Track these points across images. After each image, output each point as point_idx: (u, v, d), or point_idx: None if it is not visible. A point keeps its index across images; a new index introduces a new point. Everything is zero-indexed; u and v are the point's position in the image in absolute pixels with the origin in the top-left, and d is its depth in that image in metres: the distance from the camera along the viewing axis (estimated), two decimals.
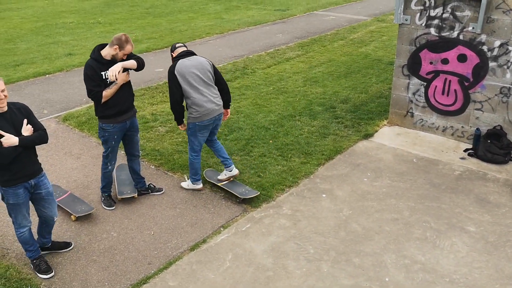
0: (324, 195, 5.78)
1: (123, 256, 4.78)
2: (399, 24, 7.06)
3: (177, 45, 5.56)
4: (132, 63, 5.03)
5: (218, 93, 5.52)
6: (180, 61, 5.33)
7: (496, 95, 6.49)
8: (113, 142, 5.24)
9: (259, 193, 5.68)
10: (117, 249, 4.87)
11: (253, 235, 5.07)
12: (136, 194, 5.66)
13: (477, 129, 6.70)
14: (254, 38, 13.45)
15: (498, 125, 6.55)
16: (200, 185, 5.82)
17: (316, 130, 7.46)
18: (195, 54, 5.53)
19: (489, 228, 5.10)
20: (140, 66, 5.11)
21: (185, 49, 5.51)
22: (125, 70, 5.03)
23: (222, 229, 5.18)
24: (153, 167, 6.45)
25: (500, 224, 5.15)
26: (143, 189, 5.75)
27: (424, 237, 4.99)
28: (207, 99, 5.34)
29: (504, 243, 4.85)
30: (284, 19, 16.05)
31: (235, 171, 5.85)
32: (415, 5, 6.78)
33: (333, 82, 9.63)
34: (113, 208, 5.50)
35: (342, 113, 8.08)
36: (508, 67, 6.29)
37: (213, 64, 5.52)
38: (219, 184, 5.83)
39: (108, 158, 5.35)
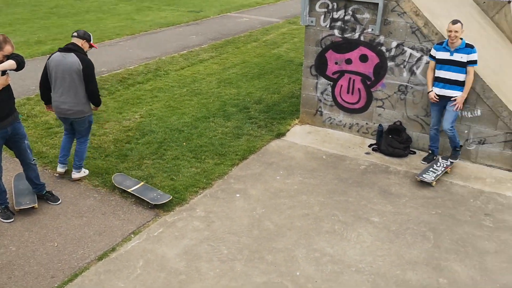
0: (238, 195, 5.81)
1: (23, 271, 4.46)
2: (306, 26, 7.29)
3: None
4: (10, 63, 4.69)
5: (72, 96, 5.58)
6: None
7: (395, 92, 6.92)
8: None
9: (171, 197, 5.58)
10: (16, 264, 4.54)
11: (166, 240, 4.97)
12: (36, 204, 5.31)
13: (380, 125, 7.10)
14: (167, 40, 13.23)
15: (398, 120, 6.99)
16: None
17: (230, 131, 7.49)
18: (76, 52, 5.57)
19: (391, 217, 5.42)
20: (20, 65, 4.79)
21: (71, 41, 5.63)
22: (4, 72, 4.70)
23: (132, 235, 5.02)
24: (57, 175, 6.10)
25: (401, 213, 5.49)
26: (39, 194, 5.47)
27: (333, 230, 5.19)
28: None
29: (404, 231, 5.18)
30: (197, 21, 15.97)
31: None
32: (319, 8, 7.05)
33: (247, 83, 9.73)
34: (12, 220, 5.12)
35: (255, 113, 8.18)
36: (404, 66, 6.73)
37: (88, 65, 5.54)
38: (128, 190, 5.65)
39: None
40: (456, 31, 5.82)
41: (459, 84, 6.04)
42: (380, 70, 6.92)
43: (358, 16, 6.80)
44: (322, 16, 7.09)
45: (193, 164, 6.46)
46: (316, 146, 7.08)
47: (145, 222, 5.23)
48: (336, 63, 7.23)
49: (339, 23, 7.00)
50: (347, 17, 6.89)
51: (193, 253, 4.79)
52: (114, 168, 6.26)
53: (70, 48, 5.54)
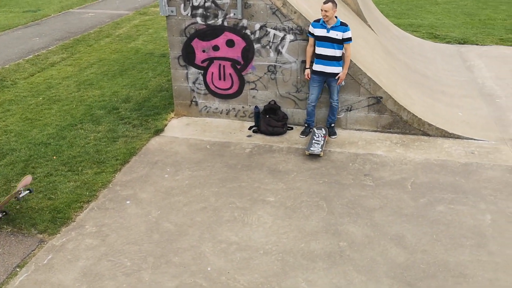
0: (128, 202, 5.48)
1: None
2: (166, 16, 7.07)
3: None
4: None
5: None
6: None
7: (265, 73, 7.10)
8: None
9: None
10: None
11: (58, 266, 4.50)
12: None
13: (256, 107, 7.25)
14: (6, 45, 11.82)
15: (272, 100, 7.21)
16: None
17: (104, 135, 7.00)
18: None
19: (284, 194, 5.61)
20: None
21: None
22: None
23: (18, 269, 4.45)
24: None
25: (293, 188, 5.71)
26: None
27: (234, 218, 5.20)
28: None
29: (299, 205, 5.40)
30: (37, 21, 14.54)
31: None
32: None
33: (110, 82, 9.17)
34: None
35: (126, 113, 7.76)
36: (270, 47, 6.93)
37: None
38: None
39: None
40: (326, 11, 6.16)
41: (337, 60, 6.41)
42: (248, 53, 7.03)
43: (218, 1, 6.79)
44: (182, 5, 6.93)
45: (70, 178, 5.92)
46: (197, 137, 6.98)
47: (29, 252, 4.66)
48: (203, 51, 7.15)
49: (200, 11, 6.91)
50: (207, 4, 6.84)
51: (93, 273, 4.42)
52: None
53: None
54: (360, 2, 9.07)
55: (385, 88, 6.74)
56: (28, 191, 5.24)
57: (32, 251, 4.69)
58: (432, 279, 4.30)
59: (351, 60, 6.60)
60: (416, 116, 6.76)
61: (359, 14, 8.87)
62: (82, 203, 5.44)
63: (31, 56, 10.92)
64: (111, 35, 12.75)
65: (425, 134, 6.80)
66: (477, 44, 11.14)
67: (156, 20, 14.14)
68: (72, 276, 4.38)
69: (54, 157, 6.42)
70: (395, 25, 11.77)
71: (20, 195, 5.11)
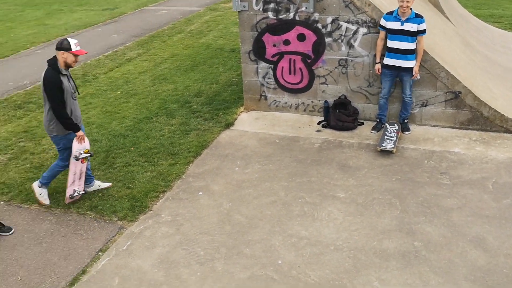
0: (200, 193, 5.65)
1: None
2: (239, 12, 7.16)
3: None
4: None
5: (45, 113, 5.24)
6: None
7: (336, 67, 7.01)
8: None
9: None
10: None
11: (137, 252, 4.74)
12: None
13: (325, 101, 7.18)
14: (87, 42, 12.52)
15: (343, 95, 7.11)
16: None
17: (177, 128, 7.25)
18: (48, 65, 5.07)
19: (355, 190, 5.52)
20: None
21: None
22: None
23: (101, 253, 4.73)
24: (2, 202, 5.60)
25: (364, 185, 5.61)
26: None
27: (303, 213, 5.20)
28: None
29: (371, 202, 5.30)
30: (115, 18, 15.27)
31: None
32: None
33: (182, 77, 9.46)
34: None
35: (198, 106, 7.98)
36: (342, 41, 6.83)
37: (43, 84, 5.07)
38: None
39: None
40: (408, 1, 5.97)
41: (410, 53, 6.21)
42: (319, 47, 6.97)
43: None
44: (254, 0, 6.99)
45: (147, 168, 6.19)
46: (267, 131, 7.04)
47: (111, 237, 4.94)
48: (274, 45, 7.18)
49: (272, 5, 6.94)
50: None
51: (169, 261, 4.61)
52: (63, 185, 5.83)
53: (48, 61, 5.08)
54: None
55: (464, 82, 6.42)
56: (89, 155, 5.44)
57: (113, 236, 4.96)
58: None
59: (427, 53, 6.35)
60: (498, 112, 6.38)
61: (436, 4, 8.50)
62: (158, 193, 5.68)
63: (110, 52, 11.50)
64: (183, 31, 13.13)
65: (508, 131, 6.41)
66: None
67: (226, 15, 14.37)
68: (150, 262, 4.59)
69: (132, 148, 6.73)
70: (474, 16, 11.16)
71: (80, 156, 5.32)
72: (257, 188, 5.68)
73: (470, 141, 6.34)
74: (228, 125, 7.28)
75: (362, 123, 7.03)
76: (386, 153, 6.20)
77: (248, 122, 7.39)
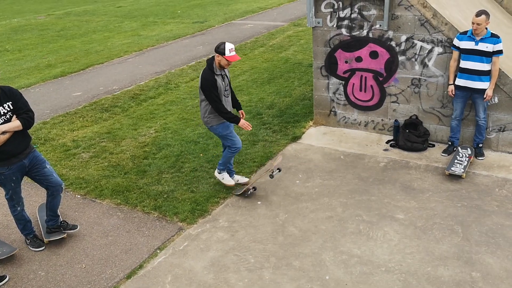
0: (259, 202, 5.79)
1: None
2: (313, 27, 7.27)
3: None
4: (15, 125, 4.54)
5: (201, 110, 5.68)
6: None
7: (408, 86, 6.85)
8: (12, 184, 4.82)
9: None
10: None
11: (192, 253, 4.97)
12: (65, 234, 5.28)
13: (396, 120, 7.03)
14: (174, 53, 13.31)
15: (414, 114, 6.91)
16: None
17: (246, 138, 7.48)
18: (206, 64, 5.51)
19: (416, 213, 5.34)
20: (26, 125, 4.63)
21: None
22: (4, 132, 4.52)
23: (158, 251, 5.03)
24: (79, 196, 6.15)
25: (426, 208, 5.42)
26: (54, 227, 5.25)
27: (358, 231, 5.14)
28: None
29: (431, 226, 5.10)
30: (203, 31, 16.04)
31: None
32: (324, 8, 7.02)
33: (258, 89, 9.73)
34: (43, 248, 5.13)
35: (269, 118, 8.17)
36: (415, 60, 6.67)
37: (200, 83, 5.47)
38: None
39: (14, 201, 4.94)
40: (478, 24, 5.74)
41: (484, 74, 5.94)
42: (392, 65, 6.86)
43: (364, 13, 6.76)
44: (329, 16, 7.06)
45: (212, 175, 6.45)
46: (333, 147, 7.03)
47: (169, 237, 5.24)
48: (346, 62, 7.19)
49: (346, 22, 6.96)
50: (353, 15, 6.86)
51: (220, 265, 4.78)
52: (134, 185, 6.29)
53: (206, 60, 5.56)
54: None
55: None
56: (278, 171, 5.87)
57: (172, 236, 5.25)
58: None
59: (508, 76, 6.00)
60: None
61: None
62: (218, 199, 5.90)
63: (194, 62, 12.12)
64: (265, 45, 13.48)
65: None
66: None
67: (308, 31, 14.52)
68: (202, 264, 4.80)
69: (201, 155, 7.06)
70: None
71: (274, 173, 5.81)
72: (315, 202, 5.70)
73: None
74: (295, 138, 7.38)
75: (433, 145, 6.78)
76: (455, 177, 5.93)
77: (315, 136, 7.43)
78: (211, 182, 6.27)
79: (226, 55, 5.28)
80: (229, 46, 5.30)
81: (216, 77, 5.40)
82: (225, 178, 5.99)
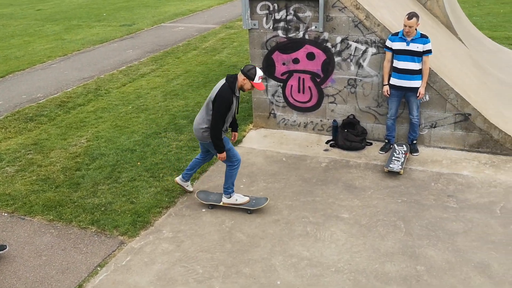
0: (204, 210, 5.62)
1: None
2: (249, 30, 7.21)
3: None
4: None
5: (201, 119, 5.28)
6: None
7: (345, 87, 6.98)
8: None
9: (268, 200, 5.49)
10: None
11: (135, 268, 4.70)
12: None
13: (334, 120, 7.14)
14: (102, 57, 12.74)
15: (351, 114, 7.05)
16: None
17: (185, 144, 7.27)
18: (226, 81, 5.11)
19: (360, 211, 5.43)
20: None
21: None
22: None
23: (99, 268, 4.71)
24: (5, 214, 5.64)
25: (369, 206, 5.52)
26: None
27: (306, 233, 5.12)
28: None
29: (375, 223, 5.20)
30: (132, 34, 15.53)
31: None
32: (260, 10, 6.98)
33: (194, 93, 9.52)
34: None
35: None
36: (351, 60, 6.80)
37: (215, 97, 5.07)
38: (221, 204, 5.61)
39: None
40: (410, 26, 5.96)
41: (417, 73, 6.17)
42: (328, 67, 6.96)
43: (300, 15, 6.80)
44: (264, 18, 7.03)
45: (152, 184, 6.19)
46: (274, 149, 7.01)
47: (110, 252, 4.92)
48: (283, 63, 7.19)
49: (282, 24, 6.97)
50: (289, 17, 6.88)
51: (167, 278, 4.56)
52: (67, 198, 5.88)
53: (227, 77, 5.13)
54: (451, 14, 8.64)
55: (474, 105, 6.33)
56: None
57: (113, 251, 4.94)
58: None
59: (436, 74, 6.29)
60: (509, 135, 6.26)
61: (449, 26, 8.44)
62: (161, 208, 5.66)
63: (124, 67, 11.66)
64: (197, 47, 13.28)
65: None
66: None
67: (241, 33, 14.49)
68: (148, 279, 4.55)
69: (139, 163, 6.76)
70: (490, 38, 11.05)
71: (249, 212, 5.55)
72: (261, 206, 5.62)
73: (479, 164, 6.22)
74: (236, 142, 7.27)
75: (371, 144, 6.96)
76: (393, 174, 6.11)
77: (256, 139, 7.37)
78: (152, 191, 6.00)
79: (254, 81, 5.04)
80: (259, 73, 5.07)
81: (233, 98, 5.13)
82: (238, 199, 5.54)
